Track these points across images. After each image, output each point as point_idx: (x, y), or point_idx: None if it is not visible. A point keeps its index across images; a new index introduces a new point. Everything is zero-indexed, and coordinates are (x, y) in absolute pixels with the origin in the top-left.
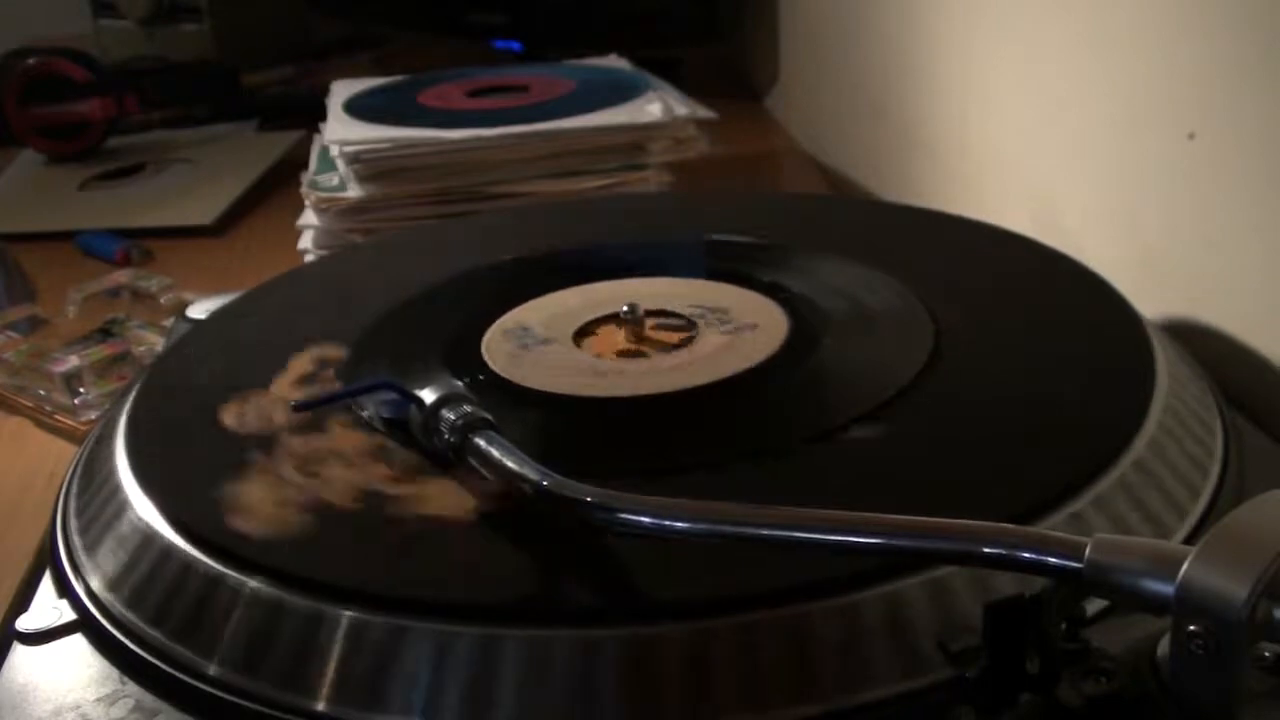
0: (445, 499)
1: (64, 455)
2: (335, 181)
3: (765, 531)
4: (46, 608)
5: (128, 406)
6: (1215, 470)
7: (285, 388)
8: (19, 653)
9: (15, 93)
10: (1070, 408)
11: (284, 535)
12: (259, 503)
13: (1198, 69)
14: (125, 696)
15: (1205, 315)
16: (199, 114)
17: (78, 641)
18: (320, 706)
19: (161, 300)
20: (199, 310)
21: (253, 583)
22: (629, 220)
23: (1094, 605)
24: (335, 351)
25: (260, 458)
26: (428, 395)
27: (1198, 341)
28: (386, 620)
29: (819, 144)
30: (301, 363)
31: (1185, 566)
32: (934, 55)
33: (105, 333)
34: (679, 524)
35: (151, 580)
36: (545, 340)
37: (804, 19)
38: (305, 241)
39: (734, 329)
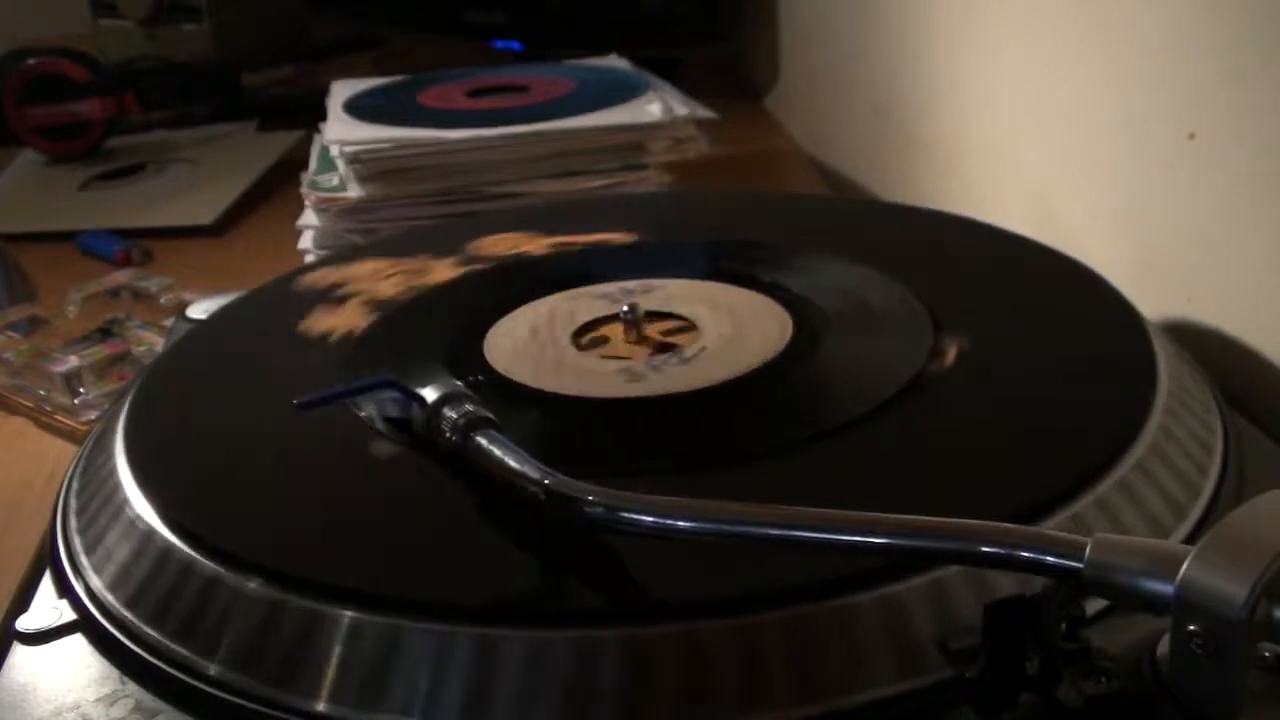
0: None
1: (64, 455)
2: (335, 181)
3: (766, 531)
4: (46, 608)
5: (127, 406)
6: (1215, 470)
7: None
8: (19, 653)
9: (15, 93)
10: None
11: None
12: None
13: (1198, 69)
14: (125, 696)
15: (1205, 315)
16: (199, 114)
17: (78, 641)
18: (320, 707)
19: (161, 300)
20: (199, 310)
21: (252, 583)
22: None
23: (1094, 605)
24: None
25: None
26: (429, 394)
27: (1198, 341)
28: (385, 620)
29: (819, 144)
30: None
31: (1185, 566)
32: (934, 55)
33: (105, 333)
34: (680, 524)
35: (151, 580)
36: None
37: (804, 19)
38: (305, 241)
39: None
